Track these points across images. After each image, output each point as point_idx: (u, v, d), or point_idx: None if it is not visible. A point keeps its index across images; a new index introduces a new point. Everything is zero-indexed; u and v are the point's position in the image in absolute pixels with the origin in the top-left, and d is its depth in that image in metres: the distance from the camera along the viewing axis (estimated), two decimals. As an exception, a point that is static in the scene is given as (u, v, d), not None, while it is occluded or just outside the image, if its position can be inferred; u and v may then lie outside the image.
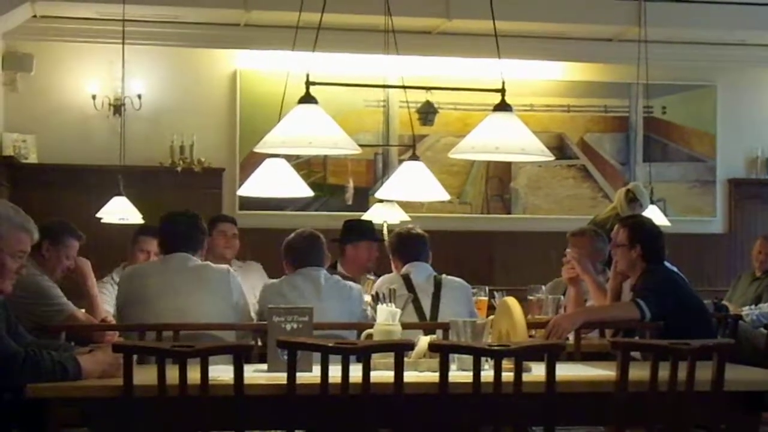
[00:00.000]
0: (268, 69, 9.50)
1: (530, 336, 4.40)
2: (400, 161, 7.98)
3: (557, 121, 10.17)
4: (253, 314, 4.96)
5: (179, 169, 9.32)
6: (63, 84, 9.42)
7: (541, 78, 10.09)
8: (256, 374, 3.76)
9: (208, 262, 4.84)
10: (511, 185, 10.13)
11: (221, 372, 3.55)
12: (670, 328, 4.60)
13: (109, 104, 9.34)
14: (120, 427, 3.36)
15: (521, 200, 10.16)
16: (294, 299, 4.70)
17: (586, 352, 4.75)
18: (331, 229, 6.34)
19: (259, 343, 4.46)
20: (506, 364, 3.48)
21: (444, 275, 5.23)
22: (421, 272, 5.18)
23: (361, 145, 4.48)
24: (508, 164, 9.79)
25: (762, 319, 6.89)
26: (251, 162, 7.92)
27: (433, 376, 3.54)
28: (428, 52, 9.57)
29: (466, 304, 5.16)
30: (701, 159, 10.43)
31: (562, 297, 5.67)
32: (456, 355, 3.78)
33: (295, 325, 3.88)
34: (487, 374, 3.46)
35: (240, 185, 6.41)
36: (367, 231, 6.43)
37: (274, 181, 5.59)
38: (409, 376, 3.58)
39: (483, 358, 3.49)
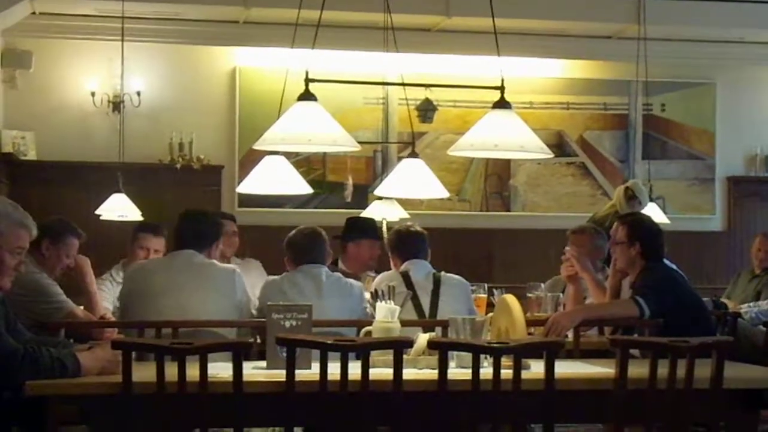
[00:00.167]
0: (267, 66, 9.49)
1: (529, 333, 4.41)
2: (400, 158, 7.97)
3: (556, 119, 10.17)
4: (253, 311, 4.96)
5: (178, 166, 9.31)
6: (62, 81, 9.42)
7: (541, 75, 10.08)
8: (255, 371, 3.75)
9: (214, 261, 4.84)
10: (510, 182, 10.13)
11: (220, 369, 3.55)
12: (669, 326, 4.60)
13: (109, 101, 9.34)
14: (119, 424, 3.36)
15: (520, 197, 10.15)
16: (294, 296, 4.70)
17: (585, 350, 4.75)
18: (330, 227, 6.33)
19: (258, 340, 4.46)
20: (505, 361, 3.48)
21: (443, 272, 5.23)
22: (420, 269, 5.18)
23: (360, 143, 4.47)
24: (508, 161, 9.78)
25: (761, 316, 6.89)
26: (250, 159, 7.91)
27: (432, 374, 3.54)
28: (428, 50, 9.57)
29: (465, 301, 5.16)
30: (700, 157, 10.43)
31: (561, 294, 5.67)
32: (455, 353, 3.78)
33: (294, 323, 3.88)
34: (486, 371, 3.46)
35: (239, 182, 6.42)
36: (369, 229, 6.43)
37: (274, 178, 5.59)
38: (408, 373, 3.57)
39: (482, 356, 3.49)
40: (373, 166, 9.88)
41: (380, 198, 7.44)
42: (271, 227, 8.57)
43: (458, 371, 3.69)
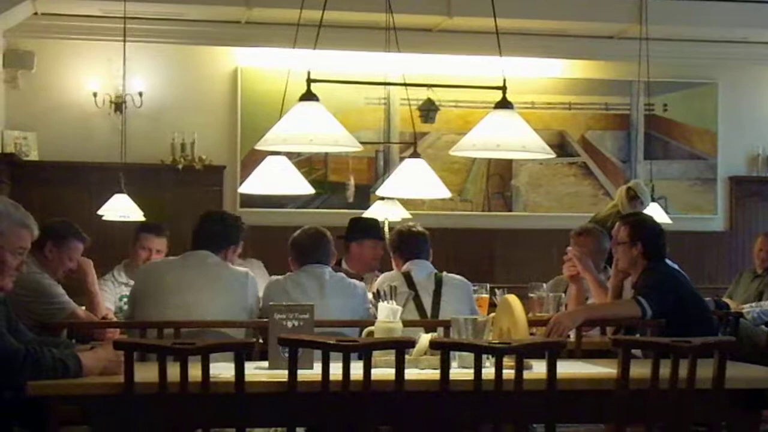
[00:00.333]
0: (269, 66, 9.49)
1: (531, 334, 4.41)
2: (401, 159, 7.99)
3: (558, 119, 10.17)
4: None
5: (180, 166, 9.31)
6: (64, 81, 9.42)
7: (542, 75, 10.08)
8: (257, 371, 3.75)
9: (228, 263, 4.83)
10: (512, 183, 10.13)
11: (222, 369, 3.54)
12: (671, 326, 4.60)
13: (110, 101, 9.34)
14: (121, 425, 3.36)
15: (522, 198, 10.15)
16: (297, 296, 4.70)
17: (587, 350, 4.74)
18: (332, 227, 6.33)
19: (260, 341, 4.46)
20: (507, 361, 3.48)
21: (445, 273, 5.22)
22: (422, 270, 5.18)
23: (362, 143, 4.47)
24: (509, 162, 9.78)
25: (763, 316, 6.88)
26: (252, 159, 7.92)
27: (434, 374, 3.54)
28: (429, 50, 9.57)
29: (467, 301, 5.16)
30: (702, 156, 10.42)
31: (563, 295, 5.67)
32: (457, 353, 3.78)
33: (296, 323, 3.88)
34: (488, 372, 3.45)
35: (241, 183, 6.43)
36: (372, 229, 6.44)
37: (275, 178, 5.59)
38: (410, 373, 3.57)
39: (484, 356, 3.49)
40: (375, 166, 9.88)
41: (382, 198, 7.45)
42: (273, 227, 8.57)
43: (460, 371, 3.69)
